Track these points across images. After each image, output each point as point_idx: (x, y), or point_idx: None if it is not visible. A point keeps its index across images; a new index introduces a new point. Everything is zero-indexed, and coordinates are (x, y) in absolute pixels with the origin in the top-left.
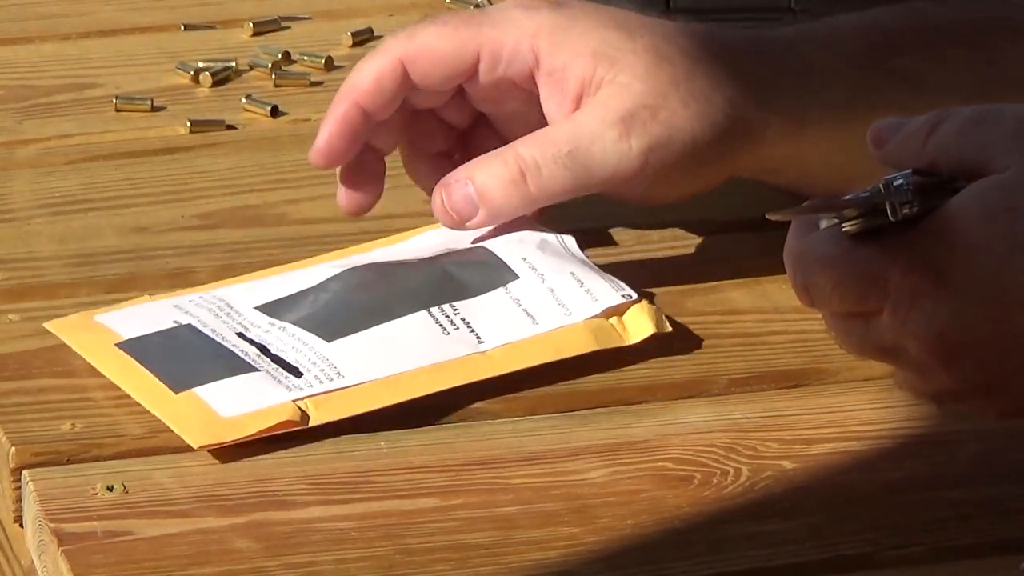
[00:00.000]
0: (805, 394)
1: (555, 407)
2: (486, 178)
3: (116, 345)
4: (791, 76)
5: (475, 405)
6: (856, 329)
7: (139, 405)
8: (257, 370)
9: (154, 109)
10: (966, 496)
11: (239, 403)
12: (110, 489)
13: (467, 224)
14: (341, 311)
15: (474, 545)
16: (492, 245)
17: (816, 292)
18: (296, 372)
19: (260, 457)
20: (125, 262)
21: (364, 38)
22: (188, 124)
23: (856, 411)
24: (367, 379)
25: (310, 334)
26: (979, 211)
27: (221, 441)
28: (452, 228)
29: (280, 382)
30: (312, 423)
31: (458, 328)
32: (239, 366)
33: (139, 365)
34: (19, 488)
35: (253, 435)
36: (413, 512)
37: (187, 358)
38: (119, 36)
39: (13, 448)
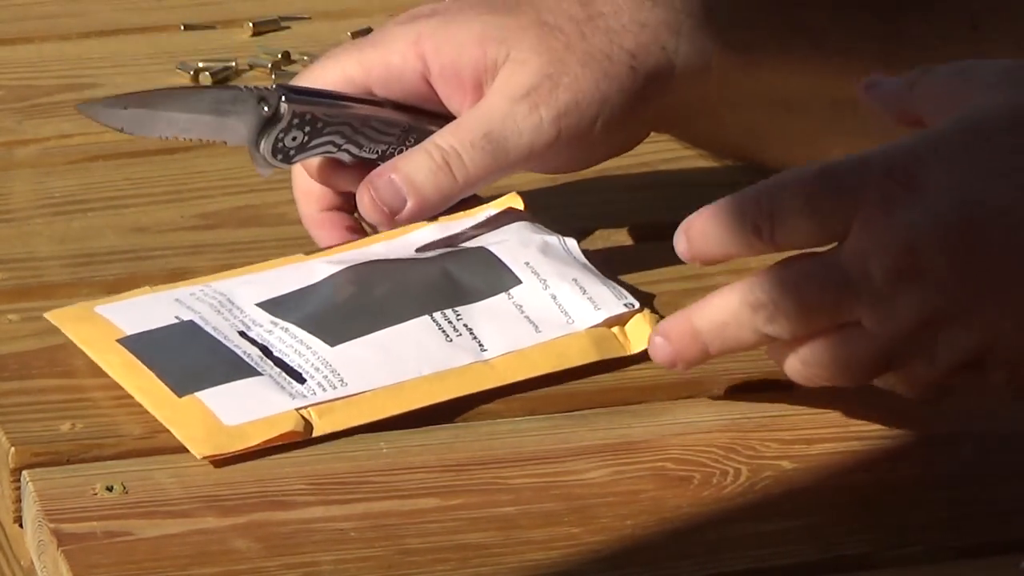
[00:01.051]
0: (805, 394)
1: (555, 407)
2: (411, 168)
3: (118, 341)
4: (692, 20)
5: (475, 405)
6: (815, 268)
7: (140, 405)
8: (260, 374)
9: None
10: (966, 496)
11: (243, 411)
12: (110, 489)
13: (398, 218)
14: (344, 312)
15: (474, 545)
16: (494, 247)
17: (780, 219)
18: (299, 378)
19: (260, 457)
20: (125, 262)
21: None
22: None
23: (856, 411)
24: (370, 387)
25: (313, 337)
26: (962, 131)
27: (224, 452)
28: (381, 224)
29: (283, 388)
30: (316, 433)
31: (460, 335)
32: (242, 369)
33: (141, 364)
34: (19, 488)
35: (256, 446)
36: (413, 512)
37: (190, 358)
38: (119, 36)
39: (13, 448)
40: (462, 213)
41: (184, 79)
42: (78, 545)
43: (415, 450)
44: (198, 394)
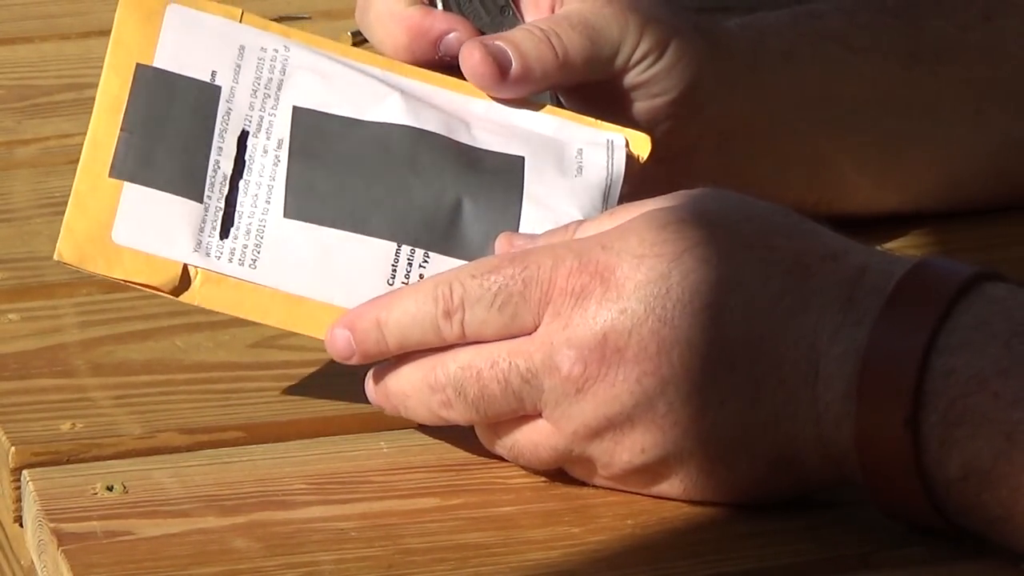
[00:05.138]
0: None
1: None
2: (515, 36)
3: (138, 64)
4: (732, 28)
5: None
6: (501, 357)
7: (140, 404)
8: (199, 202)
9: None
10: None
11: (139, 233)
12: (110, 489)
13: (509, 76)
14: (333, 182)
15: (474, 545)
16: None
17: (470, 307)
18: (226, 229)
19: (260, 457)
20: None
21: (364, 38)
22: None
23: None
24: (274, 286)
25: (283, 192)
26: (650, 223)
27: (83, 268)
28: (489, 84)
29: (201, 231)
30: (185, 300)
31: (407, 283)
32: (192, 185)
33: (124, 105)
34: (19, 488)
35: (118, 279)
36: (413, 512)
37: (165, 138)
38: None
39: (13, 448)
40: (587, 119)
41: None
42: (78, 545)
43: (415, 450)
44: (127, 184)
